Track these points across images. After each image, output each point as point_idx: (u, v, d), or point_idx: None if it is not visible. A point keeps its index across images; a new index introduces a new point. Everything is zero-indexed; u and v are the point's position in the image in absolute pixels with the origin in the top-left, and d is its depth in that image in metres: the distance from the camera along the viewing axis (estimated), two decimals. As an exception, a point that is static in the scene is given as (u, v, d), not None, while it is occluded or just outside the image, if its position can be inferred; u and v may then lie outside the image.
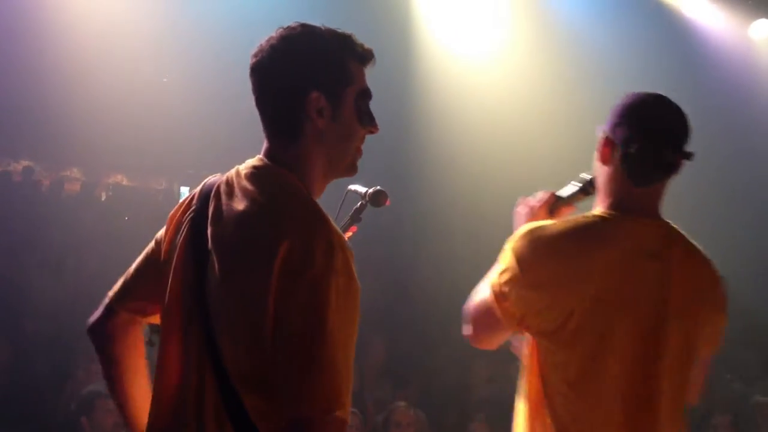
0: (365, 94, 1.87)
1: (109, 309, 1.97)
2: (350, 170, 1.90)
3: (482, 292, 2.10)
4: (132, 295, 1.95)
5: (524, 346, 2.12)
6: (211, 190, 1.83)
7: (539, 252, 2.02)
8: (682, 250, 2.08)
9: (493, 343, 2.18)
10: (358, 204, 2.27)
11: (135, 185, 11.08)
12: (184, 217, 1.85)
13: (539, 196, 2.29)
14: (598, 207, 2.12)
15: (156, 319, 1.92)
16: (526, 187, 2.50)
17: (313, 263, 1.64)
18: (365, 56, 1.87)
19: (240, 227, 1.74)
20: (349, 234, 2.20)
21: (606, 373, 1.98)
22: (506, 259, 2.06)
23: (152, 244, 1.95)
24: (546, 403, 2.01)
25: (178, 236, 1.83)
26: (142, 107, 8.21)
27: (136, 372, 1.97)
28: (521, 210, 2.30)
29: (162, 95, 8.32)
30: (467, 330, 2.16)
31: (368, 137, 1.90)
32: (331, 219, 1.74)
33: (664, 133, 2.04)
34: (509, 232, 2.14)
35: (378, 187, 2.25)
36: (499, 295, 2.04)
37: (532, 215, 2.24)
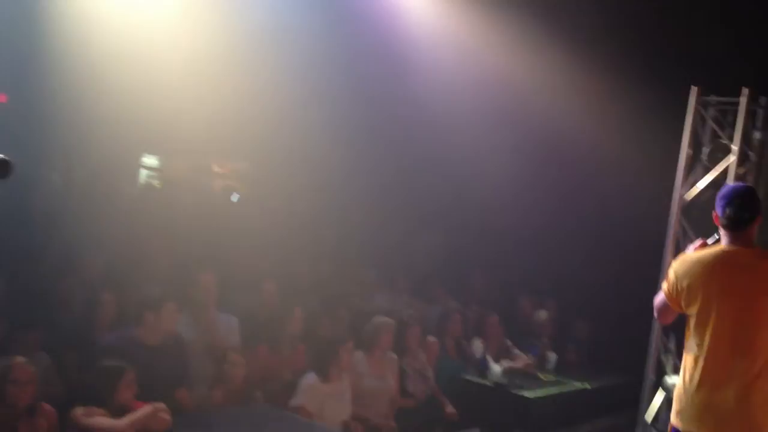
0: None
1: None
2: None
3: (659, 296, 3.89)
4: None
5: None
6: None
7: (684, 268, 3.75)
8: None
9: (669, 320, 4.03)
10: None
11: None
12: None
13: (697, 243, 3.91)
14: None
15: None
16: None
17: None
18: None
19: None
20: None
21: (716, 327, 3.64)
22: (670, 274, 3.78)
23: None
24: (688, 344, 3.78)
25: None
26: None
27: None
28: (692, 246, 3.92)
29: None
30: (657, 319, 4.11)
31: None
32: None
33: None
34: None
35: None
36: (668, 295, 3.81)
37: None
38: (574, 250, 8.28)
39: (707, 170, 6.68)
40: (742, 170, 6.59)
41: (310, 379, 5.67)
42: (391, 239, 8.61)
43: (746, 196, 3.71)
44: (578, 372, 7.54)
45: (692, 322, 3.73)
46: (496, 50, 7.59)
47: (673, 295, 3.76)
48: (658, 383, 6.82)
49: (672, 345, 6.88)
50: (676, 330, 6.73)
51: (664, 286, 3.82)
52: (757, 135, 6.60)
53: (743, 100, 6.46)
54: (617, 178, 7.59)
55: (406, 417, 6.50)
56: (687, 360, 3.78)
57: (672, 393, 6.69)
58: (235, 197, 9.79)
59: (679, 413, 3.76)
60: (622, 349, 7.84)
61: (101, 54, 7.00)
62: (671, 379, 6.75)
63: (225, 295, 6.25)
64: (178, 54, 7.25)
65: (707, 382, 3.64)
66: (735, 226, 3.67)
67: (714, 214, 3.74)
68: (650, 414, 6.79)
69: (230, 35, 7.52)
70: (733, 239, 3.70)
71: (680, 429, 3.74)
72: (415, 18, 7.88)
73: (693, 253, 3.80)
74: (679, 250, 6.77)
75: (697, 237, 6.68)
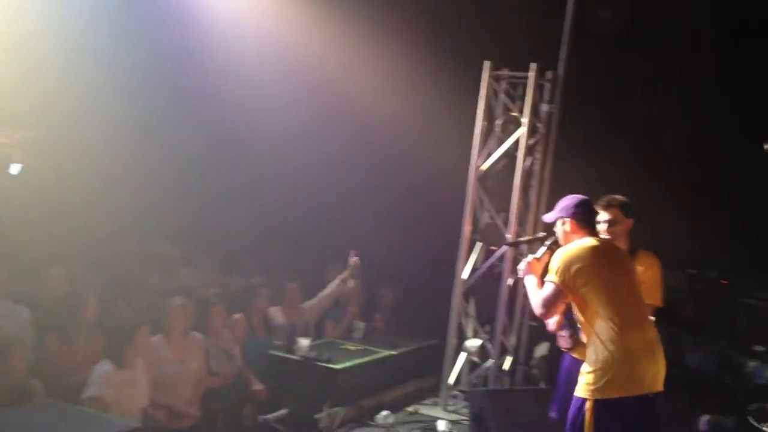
0: None
1: None
2: None
3: (547, 290, 4.27)
4: None
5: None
6: None
7: (572, 255, 4.26)
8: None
9: (556, 312, 4.36)
10: None
11: None
12: None
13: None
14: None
15: None
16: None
17: None
18: None
19: None
20: None
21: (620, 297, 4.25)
22: (557, 266, 4.22)
23: None
24: (597, 321, 4.19)
25: None
26: None
27: None
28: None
29: None
30: (542, 314, 4.33)
31: None
32: None
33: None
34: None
35: None
36: (562, 283, 4.21)
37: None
38: (378, 220, 8.39)
39: (501, 142, 6.94)
40: (531, 141, 6.92)
41: (104, 367, 5.36)
42: (194, 213, 8.29)
43: (590, 203, 4.59)
44: (385, 339, 7.67)
45: (595, 300, 4.20)
46: (296, 27, 7.45)
47: (567, 281, 4.22)
48: (460, 346, 7.10)
49: (471, 310, 7.17)
50: (476, 295, 7.03)
51: (554, 278, 4.23)
52: (544, 108, 6.94)
53: (532, 75, 6.76)
54: (420, 151, 7.73)
55: (212, 398, 6.34)
56: (604, 334, 4.15)
57: (472, 354, 7.06)
58: (15, 169, 8.83)
59: (608, 384, 4.09)
60: (425, 314, 8.09)
61: None
62: (471, 342, 7.05)
63: (10, 283, 5.75)
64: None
65: (633, 343, 4.12)
66: (592, 225, 4.50)
67: (566, 220, 4.46)
68: (452, 376, 7.06)
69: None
70: (591, 234, 4.44)
71: (612, 398, 4.08)
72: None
73: (571, 245, 4.36)
74: (476, 217, 7.04)
75: (492, 205, 6.99)
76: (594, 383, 4.10)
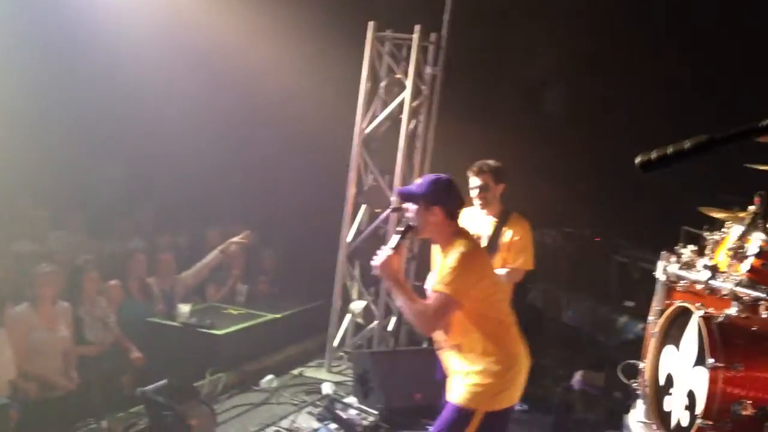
0: None
1: None
2: None
3: (439, 302, 3.53)
4: None
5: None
6: None
7: (469, 260, 3.57)
8: None
9: (444, 323, 3.62)
10: None
11: None
12: None
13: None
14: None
15: None
16: None
17: None
18: None
19: None
20: None
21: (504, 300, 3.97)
22: (456, 273, 3.49)
23: None
24: (485, 328, 3.64)
25: None
26: None
27: None
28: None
29: None
30: (433, 331, 3.73)
31: None
32: None
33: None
34: None
35: None
36: (458, 291, 3.51)
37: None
38: (264, 183, 8.24)
39: (385, 104, 6.91)
40: (415, 104, 6.92)
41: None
42: (63, 170, 7.82)
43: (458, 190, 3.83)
44: (269, 302, 7.60)
45: (484, 304, 3.61)
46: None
47: (463, 289, 3.51)
48: (345, 308, 7.11)
49: (357, 273, 7.17)
50: (360, 257, 7.03)
51: (447, 289, 3.49)
52: (428, 70, 6.95)
53: (415, 37, 6.73)
54: (305, 114, 7.60)
55: (88, 367, 6.10)
56: (495, 340, 3.63)
57: (357, 316, 7.09)
58: None
59: (504, 395, 3.63)
60: (310, 276, 8.04)
61: None
62: (355, 304, 7.07)
63: None
64: None
65: (520, 348, 3.72)
66: (457, 217, 3.73)
67: (433, 208, 3.60)
68: (337, 338, 7.07)
69: None
70: (458, 229, 3.72)
71: (502, 408, 3.65)
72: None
73: (462, 247, 3.59)
74: (360, 180, 7.01)
75: (376, 167, 6.98)
76: (487, 394, 3.58)
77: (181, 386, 5.08)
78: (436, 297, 3.52)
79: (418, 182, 3.79)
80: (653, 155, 1.47)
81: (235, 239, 7.57)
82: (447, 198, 3.66)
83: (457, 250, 3.54)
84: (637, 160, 1.50)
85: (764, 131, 1.39)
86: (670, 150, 1.45)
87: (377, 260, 3.61)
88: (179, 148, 8.09)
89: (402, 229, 3.71)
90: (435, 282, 3.60)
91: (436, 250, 3.83)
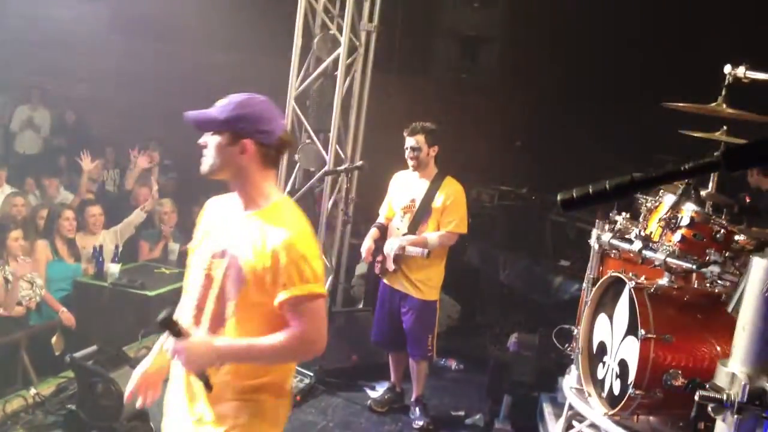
0: None
1: None
2: None
3: (316, 306, 2.53)
4: None
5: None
6: None
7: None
8: None
9: None
10: None
11: None
12: None
13: None
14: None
15: None
16: None
17: None
18: None
19: None
20: None
21: None
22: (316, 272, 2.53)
23: None
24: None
25: None
26: None
27: None
28: None
29: None
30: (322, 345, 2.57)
31: None
32: None
33: None
34: None
35: None
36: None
37: None
38: (192, 141, 8.03)
39: (319, 61, 6.74)
40: (350, 60, 6.76)
41: None
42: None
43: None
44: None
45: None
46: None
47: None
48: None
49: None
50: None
51: (320, 288, 2.56)
52: (363, 26, 6.78)
53: (351, -9, 6.54)
54: (240, 71, 7.39)
55: (15, 327, 5.92)
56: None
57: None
58: None
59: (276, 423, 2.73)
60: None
61: None
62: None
63: None
64: None
65: None
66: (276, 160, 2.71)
67: (246, 142, 2.57)
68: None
69: None
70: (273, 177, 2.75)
71: None
72: None
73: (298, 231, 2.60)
74: (295, 138, 6.87)
75: (310, 125, 6.85)
76: None
77: (111, 352, 4.96)
78: (313, 303, 2.54)
79: (222, 103, 2.61)
80: (575, 193, 1.49)
81: (154, 190, 7.40)
82: (266, 131, 2.56)
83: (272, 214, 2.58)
84: (559, 197, 1.51)
85: (682, 175, 1.45)
86: (590, 190, 1.47)
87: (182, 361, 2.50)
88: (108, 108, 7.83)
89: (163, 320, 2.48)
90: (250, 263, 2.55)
91: (219, 204, 2.90)
